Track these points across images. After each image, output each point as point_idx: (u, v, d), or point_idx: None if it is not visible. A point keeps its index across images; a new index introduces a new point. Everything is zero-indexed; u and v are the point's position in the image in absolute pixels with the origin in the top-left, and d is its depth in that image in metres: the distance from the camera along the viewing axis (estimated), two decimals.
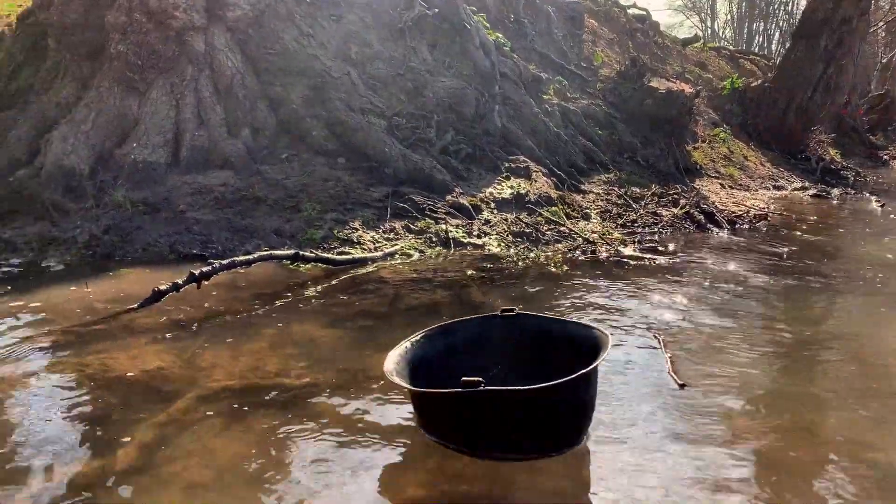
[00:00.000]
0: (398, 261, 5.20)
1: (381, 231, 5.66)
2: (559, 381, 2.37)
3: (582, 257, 5.57)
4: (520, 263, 5.27)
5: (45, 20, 6.89)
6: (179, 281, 3.87)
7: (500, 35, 8.55)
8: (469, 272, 4.93)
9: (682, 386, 3.05)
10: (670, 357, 3.37)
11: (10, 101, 6.99)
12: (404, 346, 2.78)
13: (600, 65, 10.62)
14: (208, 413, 2.77)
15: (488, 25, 8.37)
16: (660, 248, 5.99)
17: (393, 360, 2.67)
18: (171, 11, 6.25)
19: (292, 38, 6.77)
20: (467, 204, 6.28)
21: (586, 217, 6.83)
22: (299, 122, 6.64)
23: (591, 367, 2.46)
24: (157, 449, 2.52)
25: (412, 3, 7.60)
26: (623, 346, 3.56)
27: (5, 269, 4.42)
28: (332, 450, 2.56)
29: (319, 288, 4.53)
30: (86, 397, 2.85)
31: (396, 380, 2.56)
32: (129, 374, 3.05)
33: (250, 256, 4.43)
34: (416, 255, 5.34)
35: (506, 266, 5.20)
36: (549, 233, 6.14)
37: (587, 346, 2.70)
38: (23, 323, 3.60)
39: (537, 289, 4.63)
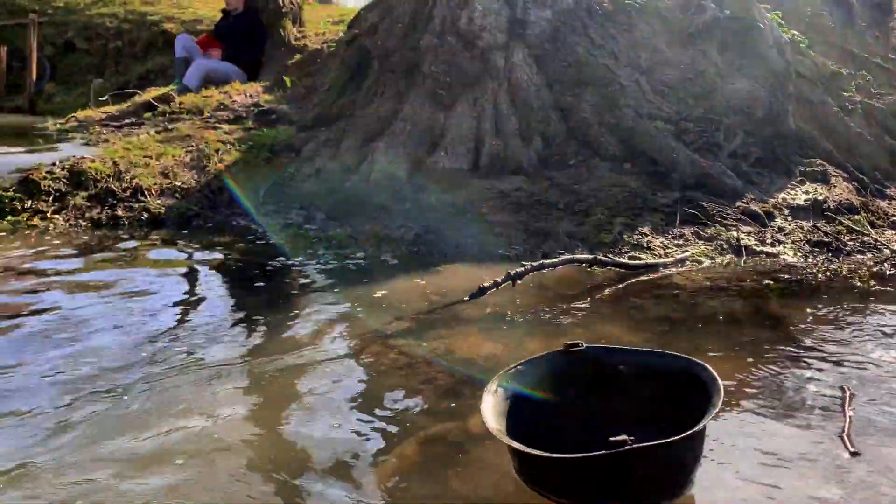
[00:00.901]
0: (689, 267, 5.33)
1: (669, 237, 5.81)
2: (704, 421, 2.28)
3: (891, 271, 5.23)
4: (819, 276, 5.11)
5: (370, 44, 8.04)
6: (498, 279, 4.43)
7: (795, 32, 8.14)
8: (765, 282, 4.91)
9: (853, 454, 2.70)
10: (851, 417, 2.98)
11: (339, 115, 8.22)
12: (489, 399, 2.56)
13: None
14: None
15: (783, 22, 8.02)
16: None
17: (493, 418, 2.47)
18: (478, 32, 6.98)
19: (585, 51, 7.15)
20: (759, 210, 6.17)
21: (894, 226, 6.33)
22: (588, 129, 7.00)
23: (718, 405, 2.32)
24: None
25: (703, 7, 7.56)
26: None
27: (355, 261, 5.36)
28: None
29: (614, 290, 4.85)
30: (438, 373, 3.47)
31: (516, 445, 2.35)
32: (468, 357, 3.64)
33: (556, 260, 4.88)
34: (707, 262, 5.43)
35: (804, 278, 5.08)
36: (850, 243, 5.83)
37: (679, 377, 2.59)
38: (378, 308, 4.39)
39: (840, 305, 4.49)
